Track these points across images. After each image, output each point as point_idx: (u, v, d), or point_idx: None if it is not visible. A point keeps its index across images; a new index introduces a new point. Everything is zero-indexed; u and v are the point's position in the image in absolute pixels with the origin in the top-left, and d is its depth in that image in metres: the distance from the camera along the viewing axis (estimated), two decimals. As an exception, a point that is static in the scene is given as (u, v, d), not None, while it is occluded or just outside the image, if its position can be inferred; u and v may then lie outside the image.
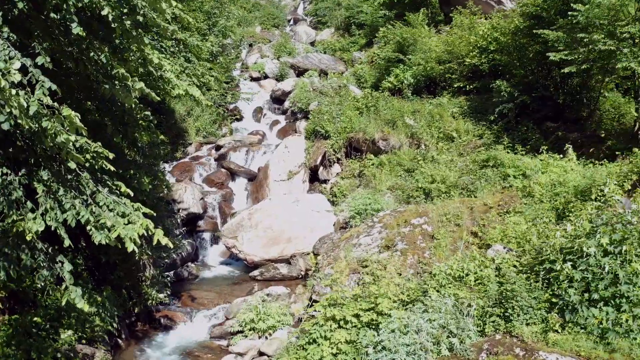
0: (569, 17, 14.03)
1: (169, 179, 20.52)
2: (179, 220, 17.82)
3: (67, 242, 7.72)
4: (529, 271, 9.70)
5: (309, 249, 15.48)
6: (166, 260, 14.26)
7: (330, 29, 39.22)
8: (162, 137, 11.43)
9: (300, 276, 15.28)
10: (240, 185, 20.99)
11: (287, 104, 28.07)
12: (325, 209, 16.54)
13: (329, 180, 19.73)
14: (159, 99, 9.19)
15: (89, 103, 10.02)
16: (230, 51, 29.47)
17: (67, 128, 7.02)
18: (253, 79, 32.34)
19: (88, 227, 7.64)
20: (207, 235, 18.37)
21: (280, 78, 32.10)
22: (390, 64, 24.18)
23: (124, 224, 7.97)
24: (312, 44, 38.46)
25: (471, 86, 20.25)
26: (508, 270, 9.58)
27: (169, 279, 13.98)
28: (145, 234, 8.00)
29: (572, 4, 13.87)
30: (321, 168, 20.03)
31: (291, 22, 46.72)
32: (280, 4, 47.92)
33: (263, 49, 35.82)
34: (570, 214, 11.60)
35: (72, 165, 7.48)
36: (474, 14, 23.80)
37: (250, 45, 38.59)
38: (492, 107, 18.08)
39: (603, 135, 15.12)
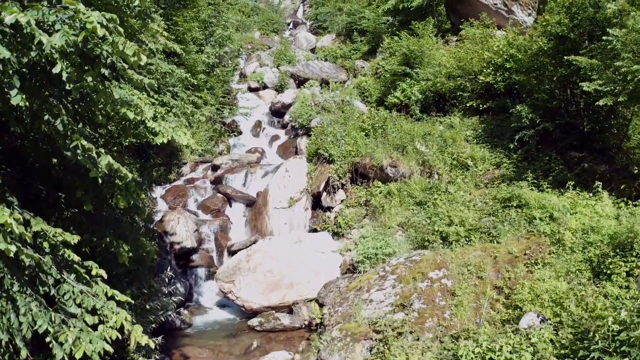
0: (603, 42, 12.51)
1: (161, 205, 19.10)
2: (172, 259, 16.33)
3: (24, 354, 6.19)
4: (571, 355, 8.20)
5: (313, 294, 13.96)
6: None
7: (331, 34, 37.66)
8: (143, 196, 9.92)
9: (304, 326, 13.75)
10: (237, 212, 19.44)
11: (287, 117, 26.55)
12: (331, 249, 14.99)
13: (332, 207, 18.20)
14: (130, 175, 7.63)
15: (54, 160, 8.44)
16: (227, 62, 27.86)
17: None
18: (252, 90, 30.81)
19: (47, 339, 6.12)
20: (201, 272, 16.83)
21: (280, 88, 30.58)
22: (396, 77, 22.66)
23: (95, 322, 6.47)
24: (313, 50, 36.90)
25: (485, 105, 18.71)
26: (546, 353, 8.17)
27: (157, 341, 12.44)
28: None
29: (607, 29, 12.34)
30: (324, 194, 18.49)
31: (290, 25, 45.23)
32: (280, 8, 46.36)
33: (262, 57, 34.27)
34: (609, 270, 10.18)
35: (27, 260, 5.95)
36: (486, 26, 22.26)
37: (249, 53, 37.07)
38: (510, 131, 16.60)
39: (636, 171, 13.58)
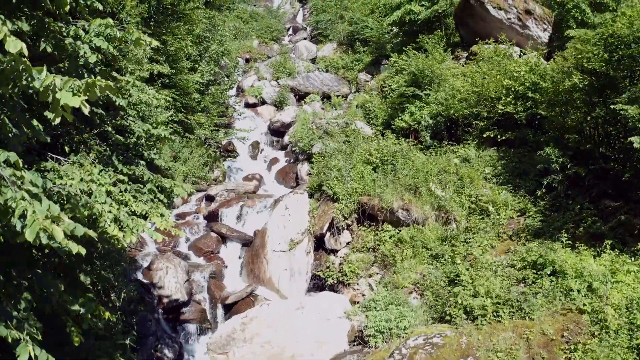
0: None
1: (150, 246, 17.33)
2: (159, 315, 14.53)
3: None
4: None
5: (317, 368, 12.17)
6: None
7: (332, 43, 35.73)
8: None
9: (307, 408, 11.99)
10: (233, 253, 17.63)
11: (286, 138, 24.74)
12: (337, 315, 13.11)
13: (337, 250, 16.39)
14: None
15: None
16: (223, 79, 25.98)
17: None
18: (249, 105, 28.97)
19: None
20: (193, 328, 14.96)
21: (279, 104, 28.73)
22: (404, 99, 20.77)
23: None
24: (313, 60, 35.00)
25: (504, 137, 16.86)
26: None
27: None
28: None
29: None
30: (328, 234, 16.68)
31: (290, 31, 43.34)
32: (279, 12, 44.37)
33: (260, 69, 32.35)
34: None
35: None
36: (499, 42, 20.47)
37: (247, 60, 35.17)
38: (534, 170, 14.82)
39: (685, 229, 11.78)
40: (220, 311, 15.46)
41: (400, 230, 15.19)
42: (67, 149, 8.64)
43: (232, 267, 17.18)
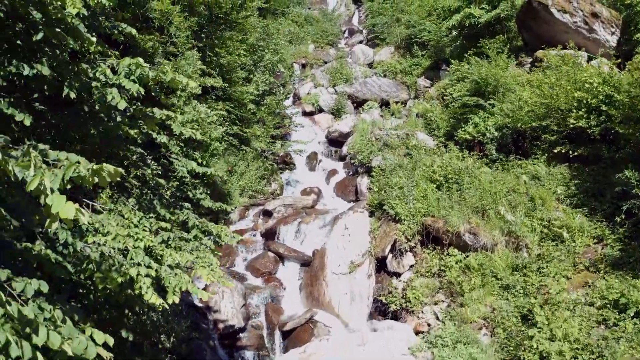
0: None
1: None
2: (215, 341, 14.01)
3: None
4: None
5: (381, 411, 11.41)
6: None
7: (390, 47, 34.74)
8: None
9: None
10: (291, 273, 16.99)
11: (345, 149, 23.99)
12: (401, 352, 12.28)
13: (400, 273, 15.60)
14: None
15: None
16: (278, 89, 25.37)
17: None
18: (306, 114, 28.29)
19: None
20: (250, 355, 14.39)
21: (336, 112, 27.97)
22: (467, 109, 19.79)
23: None
24: (370, 65, 34.09)
25: (575, 152, 15.73)
26: None
27: None
28: None
29: None
30: (390, 256, 15.91)
31: (346, 33, 42.53)
32: (334, 15, 43.56)
33: (317, 75, 31.62)
34: None
35: None
36: (566, 47, 19.30)
37: (303, 66, 34.51)
38: (610, 190, 13.75)
39: None
40: (278, 338, 14.85)
41: (467, 256, 14.32)
42: (104, 196, 8.06)
43: (290, 288, 16.54)
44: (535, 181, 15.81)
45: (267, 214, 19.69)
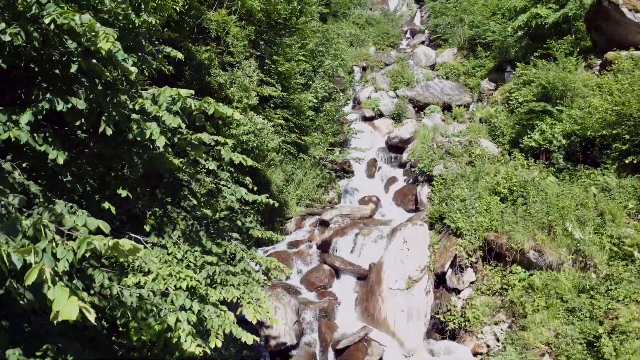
0: None
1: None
2: (266, 358, 13.54)
3: None
4: None
5: None
6: None
7: (452, 48, 33.78)
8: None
9: None
10: (346, 287, 16.39)
11: (405, 156, 23.24)
12: (460, 379, 11.59)
13: (460, 290, 14.83)
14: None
15: None
16: (338, 95, 24.79)
17: None
18: (366, 119, 27.65)
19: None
20: (302, 374, 13.92)
21: (397, 117, 27.25)
22: (534, 115, 18.81)
23: None
24: (433, 67, 33.21)
25: (652, 163, 14.68)
26: None
27: None
28: None
29: None
30: (450, 272, 15.15)
31: (407, 34, 41.65)
32: (396, 15, 42.72)
33: (377, 79, 30.93)
34: None
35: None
36: (638, 49, 18.12)
37: (364, 68, 33.86)
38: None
39: None
40: (331, 356, 14.27)
41: (531, 274, 13.47)
42: (147, 227, 7.59)
43: (346, 303, 15.93)
44: (605, 193, 14.78)
45: (324, 223, 19.16)
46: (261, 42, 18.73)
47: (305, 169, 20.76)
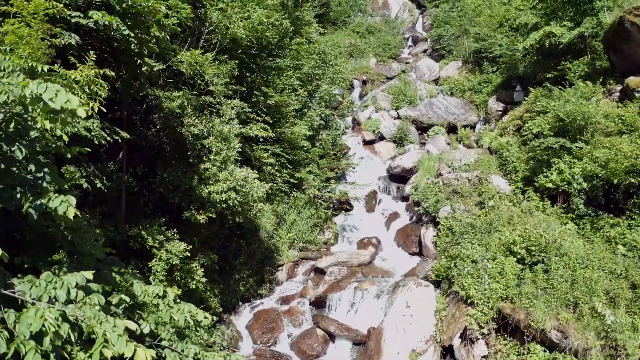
0: None
1: (246, 342, 14.40)
2: None
3: None
4: None
5: None
6: None
7: (457, 61, 31.49)
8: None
9: None
10: (342, 354, 14.27)
11: (408, 189, 21.10)
12: None
13: (470, 366, 12.73)
14: None
15: None
16: (335, 121, 22.59)
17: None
18: (366, 143, 25.51)
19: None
20: None
21: (399, 140, 25.11)
22: (550, 150, 16.65)
23: None
24: (436, 81, 31.00)
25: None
26: None
27: None
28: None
29: None
30: (458, 343, 13.03)
31: (409, 41, 39.48)
32: (397, 22, 40.47)
33: (378, 97, 28.73)
34: None
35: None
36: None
37: (364, 82, 31.67)
38: None
39: None
40: None
41: (554, 359, 11.34)
42: None
43: (341, 374, 13.89)
44: (634, 253, 12.70)
45: (319, 271, 17.11)
46: (247, 74, 16.56)
47: (299, 207, 18.65)
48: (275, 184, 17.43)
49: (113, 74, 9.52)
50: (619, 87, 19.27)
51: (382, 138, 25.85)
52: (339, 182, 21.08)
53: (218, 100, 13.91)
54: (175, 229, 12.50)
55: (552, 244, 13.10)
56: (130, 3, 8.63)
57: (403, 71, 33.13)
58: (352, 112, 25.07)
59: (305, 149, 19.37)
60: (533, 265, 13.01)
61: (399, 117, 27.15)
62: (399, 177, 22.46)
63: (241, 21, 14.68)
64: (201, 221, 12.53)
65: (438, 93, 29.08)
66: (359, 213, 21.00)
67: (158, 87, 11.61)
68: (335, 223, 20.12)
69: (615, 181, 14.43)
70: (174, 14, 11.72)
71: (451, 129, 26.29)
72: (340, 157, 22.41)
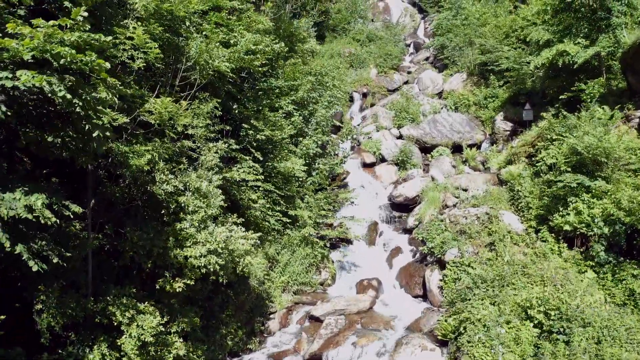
0: None
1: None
2: None
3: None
4: None
5: None
6: None
7: (461, 73, 29.74)
8: None
9: None
10: None
11: (411, 221, 19.42)
12: None
13: None
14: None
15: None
16: (333, 148, 20.84)
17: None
18: (366, 165, 23.76)
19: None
20: None
21: (401, 163, 23.46)
22: (567, 188, 14.95)
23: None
24: (440, 94, 29.29)
25: None
26: None
27: None
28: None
29: None
30: (470, 418, 11.43)
31: (411, 47, 37.82)
32: (398, 28, 38.70)
33: (379, 114, 27.06)
34: None
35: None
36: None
37: (364, 95, 29.98)
38: None
39: None
40: None
41: None
42: None
43: None
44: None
45: (314, 319, 15.48)
46: (234, 106, 14.89)
47: (293, 246, 17.01)
48: (267, 223, 15.78)
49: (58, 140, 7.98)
50: (638, 113, 17.64)
51: (383, 160, 24.15)
52: (336, 216, 19.35)
53: (198, 145, 12.25)
54: (147, 301, 10.88)
55: (574, 310, 11.45)
56: (69, 59, 6.97)
57: (406, 82, 31.35)
58: (352, 138, 23.25)
59: (301, 180, 17.71)
60: (552, 333, 11.39)
61: (401, 137, 25.46)
62: (402, 205, 20.76)
63: (225, 54, 12.94)
64: (177, 290, 10.89)
65: (442, 108, 27.38)
66: (359, 247, 19.30)
67: (122, 141, 9.93)
68: (333, 262, 18.42)
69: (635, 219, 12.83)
70: (139, 56, 10.05)
71: (456, 148, 24.62)
72: (338, 188, 20.68)
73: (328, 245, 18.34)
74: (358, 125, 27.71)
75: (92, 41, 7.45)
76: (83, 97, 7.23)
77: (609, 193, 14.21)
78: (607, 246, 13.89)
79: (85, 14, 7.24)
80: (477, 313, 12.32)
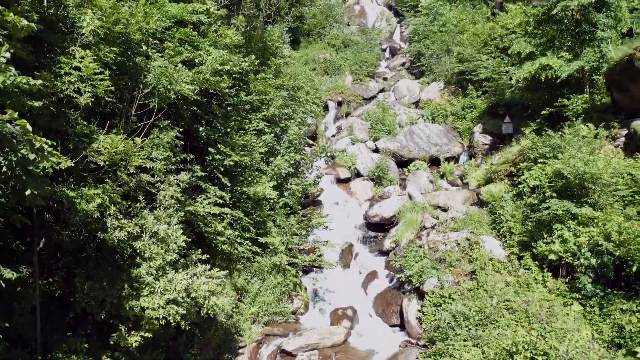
0: None
1: None
2: None
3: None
4: None
5: None
6: None
7: (438, 82, 28.86)
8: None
9: None
10: None
11: (387, 243, 18.48)
12: None
13: None
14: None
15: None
16: (306, 166, 19.79)
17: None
18: (340, 181, 22.76)
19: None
20: None
21: (377, 179, 22.47)
22: (552, 214, 14.10)
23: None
24: (417, 103, 28.39)
25: None
26: None
27: None
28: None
29: None
30: None
31: (387, 52, 36.91)
32: (374, 32, 37.73)
33: (354, 126, 26.11)
34: None
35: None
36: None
37: (339, 103, 29.01)
38: None
39: None
40: None
41: None
42: None
43: None
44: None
45: (286, 353, 14.48)
46: (200, 128, 13.80)
47: (264, 274, 15.95)
48: (236, 251, 14.73)
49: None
50: (623, 132, 17.00)
51: (358, 175, 23.20)
52: (309, 240, 18.32)
53: (158, 179, 11.16)
54: (103, 354, 9.81)
55: (563, 357, 10.61)
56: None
57: (382, 90, 30.42)
58: (327, 156, 22.20)
59: (273, 200, 16.65)
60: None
61: (377, 150, 24.51)
62: (378, 225, 19.81)
63: (188, 76, 11.84)
64: (133, 344, 9.81)
65: (419, 118, 26.52)
66: (333, 270, 18.29)
67: (68, 185, 8.81)
68: (306, 288, 17.40)
69: (635, 268, 12.01)
70: (87, 89, 8.93)
71: (433, 162, 23.78)
72: (312, 204, 19.69)
73: (301, 272, 17.31)
74: (333, 136, 26.76)
75: (22, 84, 6.34)
76: (9, 157, 6.13)
77: (596, 220, 13.45)
78: (594, 277, 13.13)
79: (8, 54, 6.13)
80: (460, 357, 11.41)
